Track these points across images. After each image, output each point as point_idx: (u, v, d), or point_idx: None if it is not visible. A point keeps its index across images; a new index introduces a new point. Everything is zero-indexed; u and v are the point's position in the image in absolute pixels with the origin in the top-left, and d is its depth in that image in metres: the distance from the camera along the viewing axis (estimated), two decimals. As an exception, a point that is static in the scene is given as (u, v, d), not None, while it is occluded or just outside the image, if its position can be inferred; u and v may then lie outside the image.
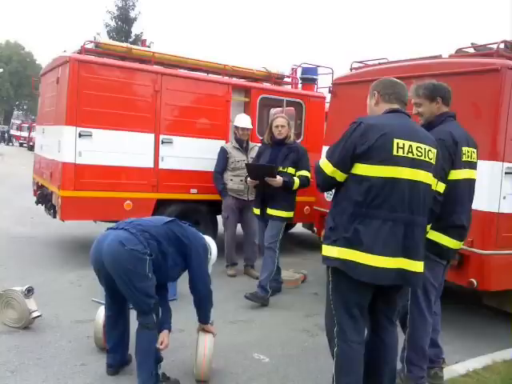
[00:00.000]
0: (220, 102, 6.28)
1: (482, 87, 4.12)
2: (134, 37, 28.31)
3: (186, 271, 3.12)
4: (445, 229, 2.98)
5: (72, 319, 4.01)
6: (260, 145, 5.46)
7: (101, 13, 62.75)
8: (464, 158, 2.98)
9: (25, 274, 5.05)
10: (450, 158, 2.91)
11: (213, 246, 3.30)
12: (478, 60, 4.36)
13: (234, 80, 6.81)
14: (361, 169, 2.43)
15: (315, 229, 6.16)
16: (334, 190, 2.65)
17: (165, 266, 2.97)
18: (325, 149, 5.32)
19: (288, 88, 7.43)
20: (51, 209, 5.97)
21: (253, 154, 5.70)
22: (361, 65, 5.82)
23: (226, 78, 6.59)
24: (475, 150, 3.10)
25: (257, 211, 5.07)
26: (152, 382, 2.84)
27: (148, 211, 5.68)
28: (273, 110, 7.55)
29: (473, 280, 4.00)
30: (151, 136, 5.77)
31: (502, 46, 4.44)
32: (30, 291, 3.72)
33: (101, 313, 3.40)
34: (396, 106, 2.61)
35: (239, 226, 5.99)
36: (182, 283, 3.47)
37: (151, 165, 5.79)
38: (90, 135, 5.39)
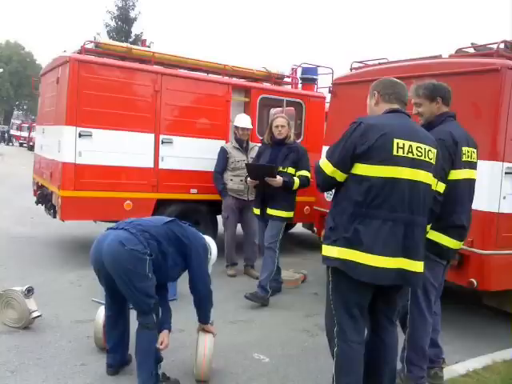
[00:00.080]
0: (220, 101, 6.28)
1: (482, 87, 4.12)
2: (134, 37, 28.31)
3: (186, 271, 3.12)
4: (445, 229, 2.98)
5: (72, 319, 4.01)
6: (260, 145, 5.47)
7: (101, 13, 62.86)
8: (464, 158, 2.98)
9: (25, 274, 5.05)
10: (450, 158, 2.91)
11: (213, 246, 3.30)
12: (478, 60, 4.36)
13: (234, 80, 6.81)
14: (361, 169, 2.43)
15: (315, 229, 6.16)
16: (333, 190, 2.65)
17: (165, 266, 2.97)
18: (325, 149, 5.32)
19: (288, 88, 7.43)
20: (51, 209, 5.97)
21: (253, 154, 5.70)
22: (361, 65, 5.82)
23: (226, 78, 6.59)
24: (475, 150, 3.10)
25: (257, 211, 5.07)
26: (152, 382, 2.84)
27: (148, 211, 5.68)
28: (273, 110, 7.55)
29: (473, 280, 4.00)
30: (151, 136, 5.77)
31: (502, 46, 4.44)
32: (30, 291, 3.72)
33: (101, 313, 3.40)
34: (396, 106, 2.61)
35: (239, 225, 5.99)
36: (182, 283, 3.47)
37: (151, 165, 5.79)
38: (90, 135, 5.39)
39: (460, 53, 4.82)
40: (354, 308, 2.50)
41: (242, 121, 5.86)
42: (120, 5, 28.54)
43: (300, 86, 7.53)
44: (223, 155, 5.81)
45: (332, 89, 5.97)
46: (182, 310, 3.70)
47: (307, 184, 4.89)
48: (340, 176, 2.52)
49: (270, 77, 7.20)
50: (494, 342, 4.17)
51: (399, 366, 2.96)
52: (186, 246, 3.04)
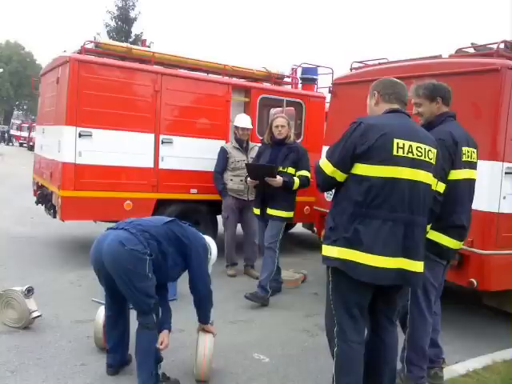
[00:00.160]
0: (220, 101, 6.28)
1: (482, 87, 4.12)
2: (134, 37, 28.31)
3: (186, 271, 3.12)
4: (445, 229, 2.98)
5: (72, 319, 4.01)
6: (260, 145, 5.47)
7: (101, 13, 62.85)
8: (464, 158, 2.98)
9: (25, 274, 5.05)
10: (449, 158, 2.91)
11: (213, 246, 3.30)
12: (478, 60, 4.36)
13: (234, 80, 6.81)
14: (361, 169, 2.43)
15: (315, 229, 6.16)
16: (333, 190, 2.65)
17: (165, 266, 2.97)
18: (325, 149, 5.32)
19: (288, 88, 7.43)
20: (51, 209, 5.97)
21: (253, 154, 5.70)
22: (361, 65, 5.82)
23: (226, 78, 6.59)
24: (475, 150, 3.10)
25: (257, 211, 5.07)
26: (152, 382, 2.84)
27: (148, 211, 5.68)
28: (273, 110, 7.55)
29: (473, 280, 4.00)
30: (151, 136, 5.77)
31: (502, 45, 4.44)
32: (30, 291, 3.72)
33: (101, 313, 3.40)
34: (396, 106, 2.61)
35: (239, 225, 5.99)
36: (182, 283, 3.47)
37: (151, 165, 5.79)
38: (90, 135, 5.39)
39: (460, 53, 4.82)
40: (354, 308, 2.50)
41: (242, 121, 5.86)
42: (120, 5, 28.56)
43: (300, 85, 7.53)
44: (223, 155, 5.81)
45: (332, 89, 5.97)
46: (182, 310, 3.70)
47: (307, 184, 4.89)
48: (340, 176, 2.52)
49: (269, 77, 7.20)
50: (493, 341, 4.17)
51: (399, 365, 2.96)
52: (186, 245, 3.04)
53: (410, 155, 2.43)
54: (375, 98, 2.68)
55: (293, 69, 7.61)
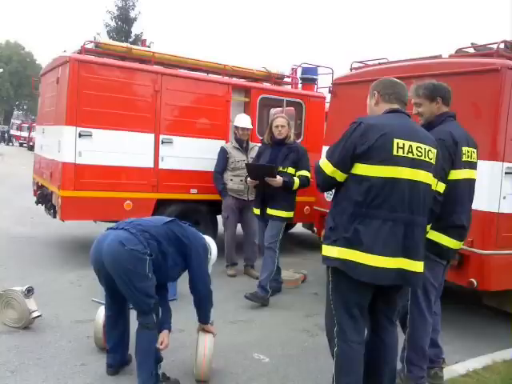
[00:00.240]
0: (220, 102, 6.28)
1: (482, 87, 4.12)
2: (134, 37, 28.31)
3: (186, 271, 3.12)
4: (445, 229, 2.98)
5: (72, 319, 4.01)
6: (260, 145, 5.47)
7: (101, 13, 62.85)
8: (464, 158, 2.98)
9: (25, 274, 5.05)
10: (449, 157, 2.91)
11: (213, 246, 3.30)
12: (478, 60, 4.36)
13: (234, 80, 6.81)
14: (361, 169, 2.43)
15: (315, 229, 6.16)
16: (333, 190, 2.66)
17: (165, 266, 2.97)
18: (325, 149, 5.32)
19: (288, 88, 7.43)
20: (51, 209, 5.97)
21: (253, 154, 5.70)
22: (361, 65, 5.82)
23: (226, 78, 6.59)
24: (475, 150, 3.10)
25: (257, 211, 5.07)
26: (152, 382, 2.84)
27: (148, 211, 5.68)
28: (273, 110, 7.55)
29: (473, 280, 4.00)
30: (151, 136, 5.77)
31: (502, 45, 4.44)
32: (30, 291, 3.72)
33: (101, 313, 3.40)
34: (396, 106, 2.61)
35: (239, 225, 5.99)
36: (182, 283, 3.47)
37: (151, 165, 5.79)
38: (90, 135, 5.39)
39: (460, 53, 4.82)
40: (354, 308, 2.50)
41: (242, 121, 5.86)
42: (120, 5, 28.56)
43: (300, 85, 7.53)
44: (223, 155, 5.81)
45: (332, 89, 5.97)
46: (182, 310, 3.70)
47: (307, 184, 4.89)
48: (340, 176, 2.52)
49: (269, 77, 7.20)
50: (493, 341, 4.17)
51: (399, 365, 2.96)
52: (185, 246, 3.04)
53: (410, 155, 2.43)
54: (375, 98, 2.68)
55: (293, 69, 7.61)
